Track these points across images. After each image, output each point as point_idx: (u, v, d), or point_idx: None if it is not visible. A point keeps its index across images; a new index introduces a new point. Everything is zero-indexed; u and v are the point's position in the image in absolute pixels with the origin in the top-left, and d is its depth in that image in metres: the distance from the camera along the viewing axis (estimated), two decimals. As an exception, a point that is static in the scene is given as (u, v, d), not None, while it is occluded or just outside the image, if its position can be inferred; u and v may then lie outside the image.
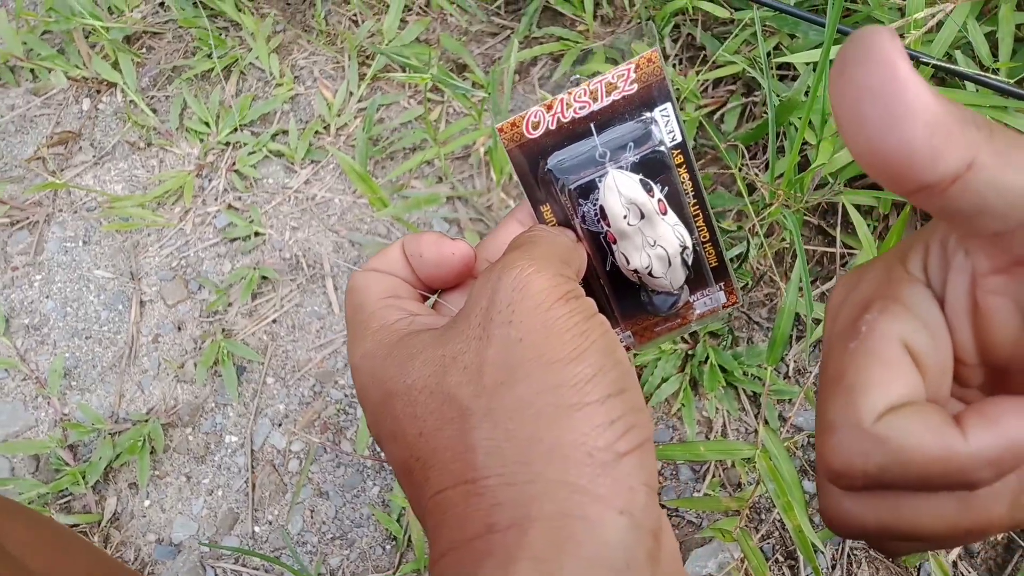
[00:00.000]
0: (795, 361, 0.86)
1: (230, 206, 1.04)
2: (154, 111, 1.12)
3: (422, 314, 0.34)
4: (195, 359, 0.98)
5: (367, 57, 1.09)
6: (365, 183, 0.91)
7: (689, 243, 0.37)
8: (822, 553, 0.78)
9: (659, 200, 0.36)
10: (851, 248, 0.86)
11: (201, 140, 1.08)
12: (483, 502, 0.26)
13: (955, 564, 0.77)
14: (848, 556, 0.78)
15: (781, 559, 0.80)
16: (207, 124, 1.09)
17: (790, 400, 0.84)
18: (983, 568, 0.78)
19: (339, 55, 1.10)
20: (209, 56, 1.11)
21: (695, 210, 0.38)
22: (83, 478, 0.92)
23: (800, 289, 0.70)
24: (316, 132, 1.06)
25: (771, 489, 0.68)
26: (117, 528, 0.92)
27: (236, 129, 1.08)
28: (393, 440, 0.30)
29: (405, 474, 0.30)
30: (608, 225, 0.36)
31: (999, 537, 0.78)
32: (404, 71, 1.05)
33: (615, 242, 0.37)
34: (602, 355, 0.28)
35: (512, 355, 0.28)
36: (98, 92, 1.15)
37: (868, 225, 0.79)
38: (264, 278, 1.00)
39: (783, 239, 0.83)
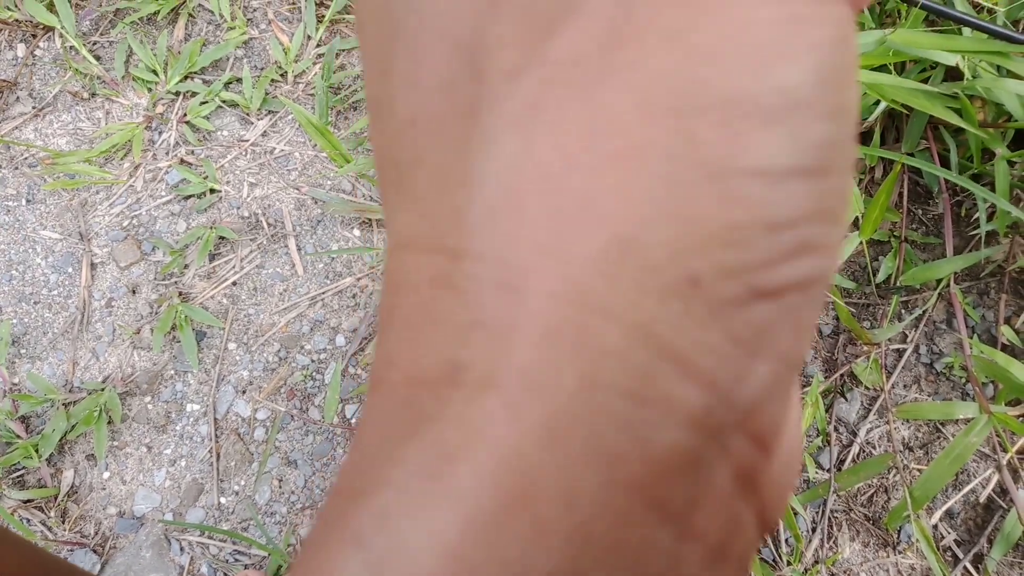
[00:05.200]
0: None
1: (182, 161, 0.98)
2: (97, 58, 1.04)
3: None
4: (151, 324, 0.93)
5: (326, -2, 1.02)
6: (324, 137, 0.85)
7: None
8: (802, 517, 0.77)
9: None
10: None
11: (149, 89, 1.01)
12: (457, 310, 0.12)
13: (936, 527, 0.77)
14: (829, 519, 0.77)
15: (761, 522, 0.79)
16: (155, 72, 1.01)
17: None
18: (963, 528, 0.78)
19: (295, -5, 1.03)
20: (154, -3, 1.03)
21: None
22: (36, 451, 0.88)
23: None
24: (272, 80, 0.99)
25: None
26: (75, 502, 0.88)
27: (186, 77, 1.00)
28: (377, 109, 0.15)
29: (380, 173, 0.15)
30: None
31: (980, 499, 0.78)
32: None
33: None
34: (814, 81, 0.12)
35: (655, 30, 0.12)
36: (33, 37, 1.06)
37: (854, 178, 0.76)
38: (222, 238, 0.94)
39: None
